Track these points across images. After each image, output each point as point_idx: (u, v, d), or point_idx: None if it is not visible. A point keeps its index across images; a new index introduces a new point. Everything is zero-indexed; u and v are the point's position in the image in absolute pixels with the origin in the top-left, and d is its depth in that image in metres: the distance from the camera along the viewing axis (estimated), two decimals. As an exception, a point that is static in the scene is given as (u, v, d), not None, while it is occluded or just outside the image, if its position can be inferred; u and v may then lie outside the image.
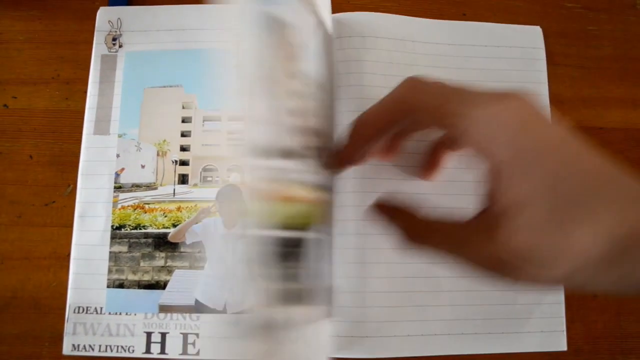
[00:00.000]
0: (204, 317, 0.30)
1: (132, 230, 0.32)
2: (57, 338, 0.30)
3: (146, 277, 0.31)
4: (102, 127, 0.33)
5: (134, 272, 0.31)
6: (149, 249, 0.32)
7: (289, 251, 0.22)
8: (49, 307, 0.31)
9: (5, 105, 0.34)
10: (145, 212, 0.32)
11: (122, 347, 0.30)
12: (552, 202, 0.18)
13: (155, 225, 0.32)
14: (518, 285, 0.19)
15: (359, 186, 0.32)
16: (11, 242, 0.32)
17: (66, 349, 0.30)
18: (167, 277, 0.31)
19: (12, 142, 0.33)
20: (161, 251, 0.32)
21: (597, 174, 0.18)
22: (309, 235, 0.24)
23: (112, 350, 0.30)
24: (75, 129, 0.33)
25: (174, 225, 0.32)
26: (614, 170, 0.19)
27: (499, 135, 0.19)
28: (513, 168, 0.18)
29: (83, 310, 0.30)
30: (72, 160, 0.33)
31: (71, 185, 0.33)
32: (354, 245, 0.31)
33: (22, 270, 0.32)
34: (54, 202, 0.33)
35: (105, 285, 0.31)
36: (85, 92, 0.34)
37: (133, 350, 0.30)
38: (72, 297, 0.31)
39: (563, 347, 0.32)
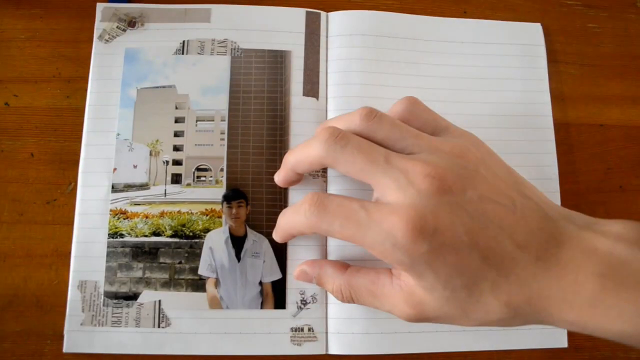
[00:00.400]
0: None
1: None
2: (59, 336, 0.30)
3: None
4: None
5: (111, 283, 0.31)
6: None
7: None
8: (51, 304, 0.31)
9: (6, 104, 0.34)
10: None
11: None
12: (456, 284, 0.21)
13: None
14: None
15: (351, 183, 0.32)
16: (13, 240, 0.32)
17: (67, 347, 0.30)
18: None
19: (14, 140, 0.34)
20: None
21: (490, 257, 0.21)
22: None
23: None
24: (76, 127, 0.33)
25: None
26: (507, 248, 0.21)
27: (395, 252, 0.22)
28: (414, 268, 0.22)
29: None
30: (74, 158, 0.33)
31: (72, 183, 0.33)
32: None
33: (24, 268, 0.32)
34: (55, 200, 0.33)
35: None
36: (86, 90, 0.34)
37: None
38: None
39: (564, 344, 0.32)
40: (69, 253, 0.31)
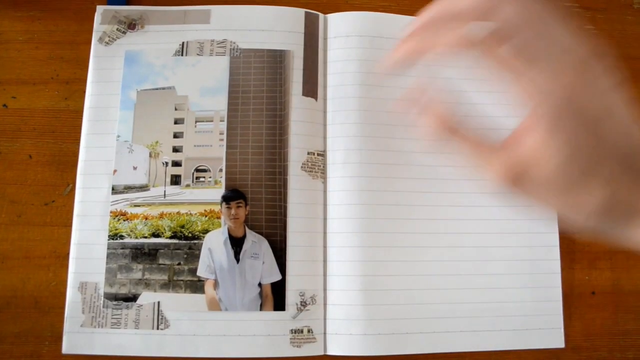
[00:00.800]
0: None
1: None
2: (57, 337, 0.30)
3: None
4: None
5: (111, 285, 0.31)
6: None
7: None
8: (49, 306, 0.31)
9: (4, 105, 0.34)
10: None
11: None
12: (579, 159, 0.22)
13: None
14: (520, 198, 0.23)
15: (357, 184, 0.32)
16: (11, 241, 0.32)
17: (66, 348, 0.30)
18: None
19: (12, 142, 0.34)
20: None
21: (617, 149, 0.22)
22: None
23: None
24: (74, 129, 0.33)
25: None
26: (628, 144, 0.22)
27: (546, 99, 0.22)
28: (555, 122, 0.22)
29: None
30: (72, 160, 0.33)
31: (70, 185, 0.33)
32: (359, 243, 0.32)
33: (23, 270, 0.32)
34: (53, 201, 0.33)
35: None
36: (85, 92, 0.34)
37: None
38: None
39: (561, 344, 0.32)
40: (67, 254, 0.31)
